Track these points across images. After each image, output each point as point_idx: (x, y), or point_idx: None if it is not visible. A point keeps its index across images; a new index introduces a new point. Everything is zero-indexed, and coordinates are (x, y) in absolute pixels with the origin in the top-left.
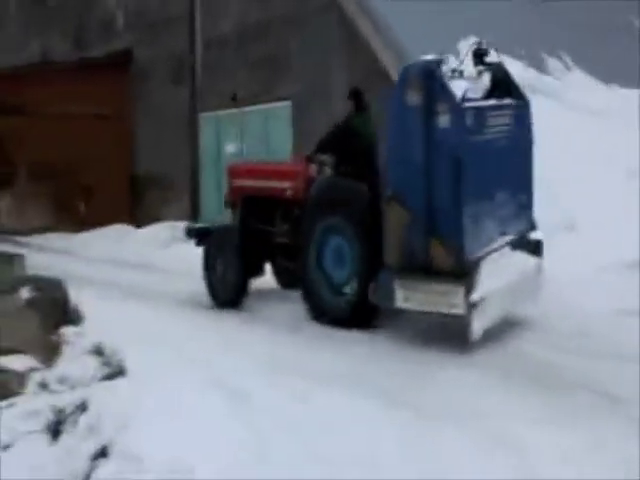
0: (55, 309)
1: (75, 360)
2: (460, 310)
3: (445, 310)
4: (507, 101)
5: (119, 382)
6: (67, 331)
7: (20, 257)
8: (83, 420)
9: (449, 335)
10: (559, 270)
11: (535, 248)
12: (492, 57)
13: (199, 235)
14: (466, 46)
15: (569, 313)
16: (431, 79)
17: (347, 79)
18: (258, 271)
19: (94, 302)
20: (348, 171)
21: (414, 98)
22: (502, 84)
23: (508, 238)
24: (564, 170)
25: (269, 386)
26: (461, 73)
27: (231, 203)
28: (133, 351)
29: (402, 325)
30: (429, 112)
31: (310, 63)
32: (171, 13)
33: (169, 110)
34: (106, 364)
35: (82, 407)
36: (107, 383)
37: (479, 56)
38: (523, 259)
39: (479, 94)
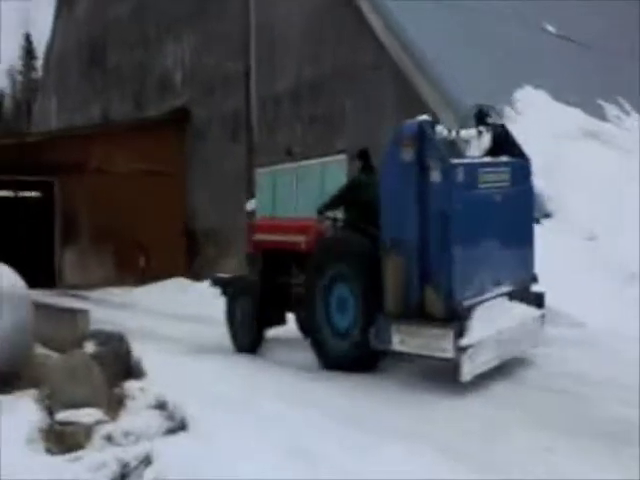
0: (118, 363)
1: (139, 414)
2: (449, 354)
3: (436, 354)
4: (504, 159)
5: (182, 436)
6: (130, 385)
7: (84, 312)
8: (148, 474)
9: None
10: None
11: (537, 300)
12: (494, 119)
13: (223, 285)
14: (524, 97)
15: None
16: (423, 137)
17: None
18: (278, 321)
19: (156, 356)
20: (354, 225)
21: (408, 154)
22: (504, 143)
23: (504, 289)
24: (625, 218)
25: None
26: (457, 133)
27: (251, 257)
28: (195, 405)
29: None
30: (421, 168)
31: (364, 117)
32: (227, 72)
33: (225, 166)
34: (169, 418)
35: (146, 461)
36: (171, 437)
37: (481, 117)
38: (520, 309)
39: (479, 152)
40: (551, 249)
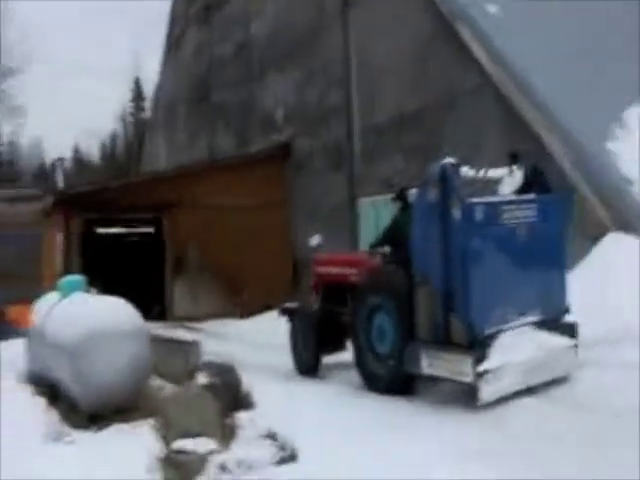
0: (229, 394)
1: (250, 444)
2: (468, 378)
3: (457, 377)
4: (530, 196)
5: (293, 466)
6: (241, 415)
7: (196, 344)
8: None
9: None
10: None
11: (569, 330)
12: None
13: (289, 314)
14: (633, 116)
15: None
16: (445, 179)
17: (506, 159)
18: (336, 347)
19: (265, 387)
20: (396, 260)
21: (432, 195)
22: (536, 182)
23: (531, 319)
24: None
25: None
26: (486, 172)
27: (314, 288)
28: (304, 436)
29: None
30: (444, 207)
31: (465, 145)
32: (329, 105)
33: (327, 197)
34: (280, 448)
35: None
36: (283, 467)
37: (514, 157)
38: (547, 338)
39: (510, 190)
40: None
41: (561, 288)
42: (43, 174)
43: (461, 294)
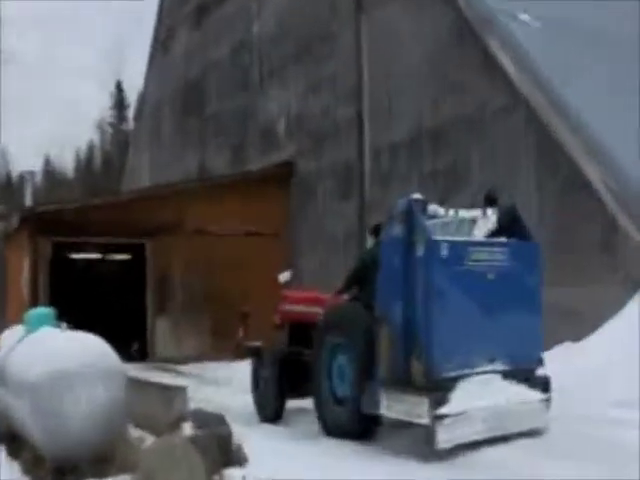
0: (219, 448)
1: None
2: (425, 421)
3: (415, 420)
4: (501, 240)
5: None
6: (231, 472)
7: (182, 390)
8: None
9: None
10: None
11: (541, 384)
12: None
13: (252, 353)
14: None
15: None
16: (411, 214)
17: (538, 187)
18: (300, 391)
19: (259, 441)
20: (360, 297)
21: (397, 230)
22: (512, 225)
23: (499, 367)
24: None
25: None
26: (456, 212)
27: (280, 327)
28: None
29: None
30: (409, 242)
31: (493, 169)
32: (338, 120)
33: (335, 225)
34: None
35: None
36: None
37: (489, 200)
38: (516, 389)
39: (483, 232)
40: None
41: (535, 338)
42: (8, 189)
43: (421, 334)
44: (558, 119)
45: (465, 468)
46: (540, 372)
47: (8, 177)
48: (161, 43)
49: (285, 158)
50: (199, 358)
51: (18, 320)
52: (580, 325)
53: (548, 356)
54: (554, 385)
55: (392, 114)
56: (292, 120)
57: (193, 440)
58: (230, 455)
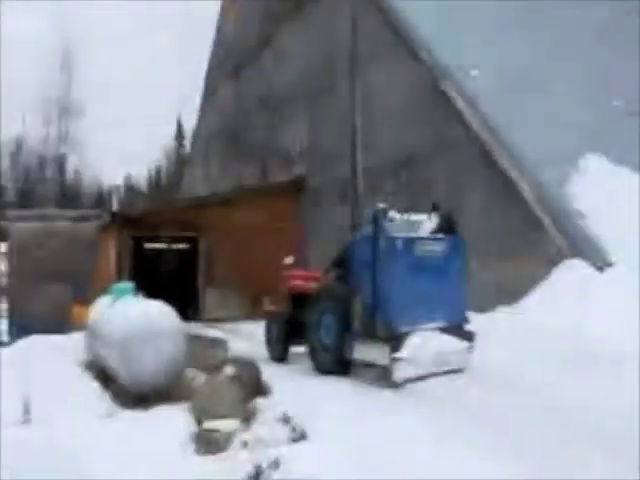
0: (251, 383)
1: (267, 425)
2: (385, 362)
3: (378, 362)
4: (439, 236)
5: (303, 445)
6: (260, 401)
7: (224, 342)
8: (276, 474)
9: None
10: None
11: (467, 336)
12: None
13: (266, 314)
14: (588, 164)
15: None
16: (377, 219)
17: (485, 197)
18: (299, 342)
19: (280, 378)
20: (341, 276)
21: (367, 230)
22: (448, 226)
23: (437, 324)
24: None
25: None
26: (409, 216)
27: (283, 294)
28: (313, 419)
29: None
30: (375, 239)
31: (452, 183)
32: (337, 147)
33: (333, 224)
34: (291, 429)
35: (275, 464)
36: (294, 445)
37: (434, 207)
38: (449, 339)
39: (427, 231)
40: (613, 293)
41: (461, 303)
42: (101, 198)
43: (383, 302)
44: (499, 148)
45: (410, 393)
46: (467, 327)
47: (100, 189)
48: (210, 91)
49: (299, 174)
50: (237, 318)
51: (107, 291)
52: (513, 295)
53: (492, 315)
54: (497, 336)
55: (378, 143)
56: (304, 147)
57: (232, 378)
58: (259, 389)
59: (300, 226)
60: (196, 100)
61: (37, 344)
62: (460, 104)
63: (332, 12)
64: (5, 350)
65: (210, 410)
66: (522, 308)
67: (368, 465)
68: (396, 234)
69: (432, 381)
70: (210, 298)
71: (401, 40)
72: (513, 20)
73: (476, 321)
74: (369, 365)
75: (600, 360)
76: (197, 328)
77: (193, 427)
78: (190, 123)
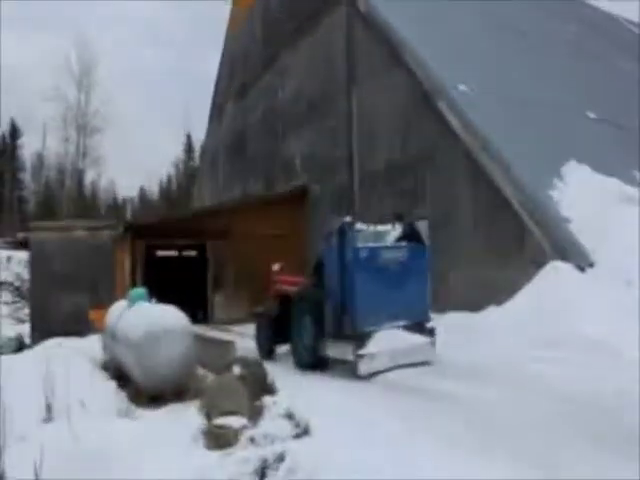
0: (257, 382)
1: (273, 421)
2: (351, 358)
3: (345, 358)
4: (402, 244)
5: (307, 440)
6: (266, 399)
7: (232, 343)
8: (282, 467)
9: None
10: None
11: (429, 332)
12: (407, 218)
13: (256, 315)
14: (569, 170)
15: None
16: (343, 231)
17: (472, 202)
18: (284, 340)
19: (285, 377)
20: (317, 282)
21: (335, 241)
22: (412, 234)
23: (401, 323)
24: None
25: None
26: (375, 226)
27: (274, 298)
28: (316, 415)
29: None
30: (342, 249)
31: (441, 190)
32: (336, 158)
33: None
34: (296, 425)
35: (280, 457)
36: (298, 440)
37: (398, 217)
38: (412, 336)
39: (392, 239)
40: (594, 291)
41: (424, 303)
42: (116, 208)
43: (349, 304)
44: (486, 156)
45: (375, 384)
46: (428, 325)
47: (115, 201)
48: (217, 108)
49: (300, 184)
50: (242, 321)
51: (122, 297)
52: (500, 295)
53: (484, 313)
54: (486, 332)
55: (372, 153)
56: (305, 158)
57: (240, 377)
58: (266, 388)
59: (302, 232)
60: (205, 116)
61: (57, 346)
62: (450, 117)
63: (331, 33)
64: (28, 352)
65: (219, 407)
66: (509, 307)
67: None
68: (360, 244)
69: (392, 374)
70: (218, 302)
71: (395, 58)
72: (498, 40)
73: (464, 319)
74: (340, 361)
75: (576, 347)
76: (206, 330)
77: (204, 423)
78: (199, 138)
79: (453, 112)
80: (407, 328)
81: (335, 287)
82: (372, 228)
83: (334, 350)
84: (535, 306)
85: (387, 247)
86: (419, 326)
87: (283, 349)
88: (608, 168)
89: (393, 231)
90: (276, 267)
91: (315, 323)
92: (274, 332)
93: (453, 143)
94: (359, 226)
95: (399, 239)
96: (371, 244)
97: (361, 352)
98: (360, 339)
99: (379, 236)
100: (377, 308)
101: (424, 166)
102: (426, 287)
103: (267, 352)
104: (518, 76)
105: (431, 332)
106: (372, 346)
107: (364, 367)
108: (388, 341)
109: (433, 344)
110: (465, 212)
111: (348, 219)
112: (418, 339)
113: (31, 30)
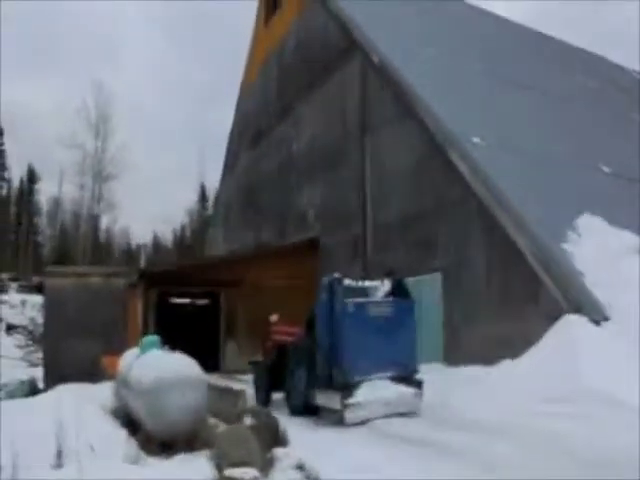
0: (269, 433)
1: (284, 473)
2: (338, 407)
3: (333, 407)
4: (389, 299)
5: None
6: (278, 451)
7: (243, 392)
8: None
9: None
10: None
11: (417, 384)
12: (398, 274)
13: (252, 365)
14: (583, 223)
15: None
16: (333, 286)
17: (486, 254)
18: (282, 388)
19: (297, 429)
20: (310, 333)
21: (325, 296)
22: (399, 290)
23: (389, 374)
24: None
25: None
26: (363, 282)
27: (271, 348)
28: (327, 467)
29: None
30: (331, 303)
31: (454, 242)
32: (348, 208)
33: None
34: (306, 477)
35: None
36: None
37: (388, 273)
38: (399, 387)
39: (381, 295)
40: (609, 345)
41: (412, 356)
42: (130, 254)
43: (338, 356)
44: (498, 208)
45: (360, 430)
46: (416, 377)
47: (129, 247)
48: (231, 158)
49: (313, 235)
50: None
51: (135, 343)
52: (515, 348)
53: (496, 368)
54: (499, 386)
55: (386, 203)
56: (318, 209)
57: (252, 428)
58: (277, 439)
59: (314, 283)
60: (219, 166)
61: (69, 392)
62: (463, 168)
63: (344, 84)
64: (40, 396)
65: (230, 458)
66: (524, 360)
67: None
68: (348, 299)
69: (379, 422)
70: (230, 350)
71: (408, 109)
72: (513, 93)
73: (477, 372)
74: (328, 409)
75: (589, 402)
76: (217, 379)
77: (214, 474)
78: (213, 187)
79: (465, 163)
80: (395, 379)
81: (325, 339)
82: (360, 283)
83: (323, 399)
84: (550, 360)
85: (375, 302)
86: (407, 378)
87: (277, 396)
88: (622, 221)
89: (382, 286)
90: (274, 318)
91: (307, 372)
92: (270, 380)
93: (465, 194)
94: (347, 282)
95: (387, 295)
96: (359, 299)
97: (348, 401)
98: (347, 389)
99: (366, 291)
100: (365, 360)
101: (437, 217)
102: (414, 340)
103: (264, 399)
104: (533, 129)
105: (419, 384)
106: (359, 395)
107: (350, 415)
108: (375, 391)
109: (419, 395)
110: (479, 264)
111: (337, 275)
112: (404, 390)
113: (49, 75)
